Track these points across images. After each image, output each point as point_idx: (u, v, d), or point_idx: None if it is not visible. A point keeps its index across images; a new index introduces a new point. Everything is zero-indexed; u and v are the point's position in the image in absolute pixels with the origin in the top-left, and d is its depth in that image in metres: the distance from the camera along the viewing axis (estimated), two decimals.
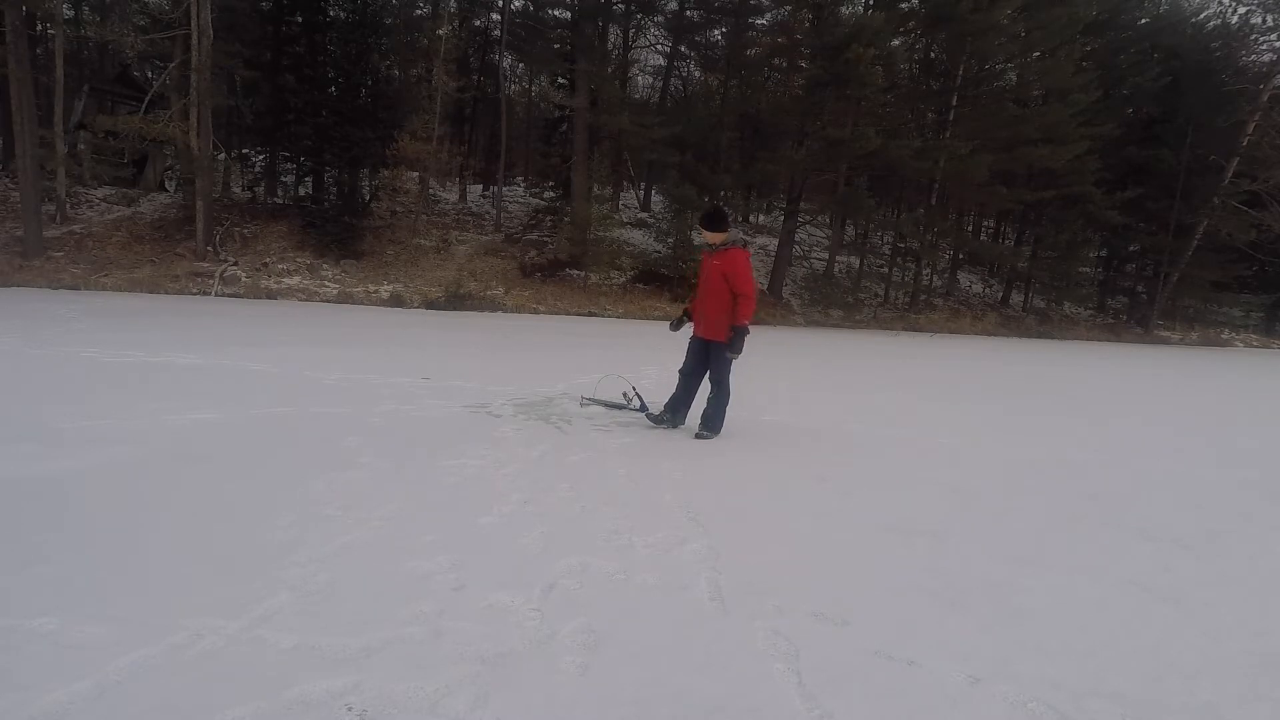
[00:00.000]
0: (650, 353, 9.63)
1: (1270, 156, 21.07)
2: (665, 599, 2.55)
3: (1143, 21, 24.49)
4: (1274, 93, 21.80)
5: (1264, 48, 23.46)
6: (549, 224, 20.23)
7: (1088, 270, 25.01)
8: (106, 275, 14.97)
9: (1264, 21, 22.86)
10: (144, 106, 16.19)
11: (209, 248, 16.48)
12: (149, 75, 21.41)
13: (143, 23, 18.30)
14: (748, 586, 2.68)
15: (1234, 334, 25.00)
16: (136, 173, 20.08)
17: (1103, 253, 26.30)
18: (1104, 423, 7.15)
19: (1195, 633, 2.57)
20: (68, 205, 16.94)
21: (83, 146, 18.45)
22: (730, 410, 5.23)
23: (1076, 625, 2.56)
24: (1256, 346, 23.95)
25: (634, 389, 5.99)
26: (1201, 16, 24.79)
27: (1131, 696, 2.10)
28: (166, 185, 20.92)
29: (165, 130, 15.73)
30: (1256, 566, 3.29)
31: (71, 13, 20.45)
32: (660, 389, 6.05)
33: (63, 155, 16.29)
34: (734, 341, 4.93)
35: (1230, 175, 21.95)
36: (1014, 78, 21.53)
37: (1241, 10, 23.10)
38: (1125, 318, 24.97)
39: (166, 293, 14.74)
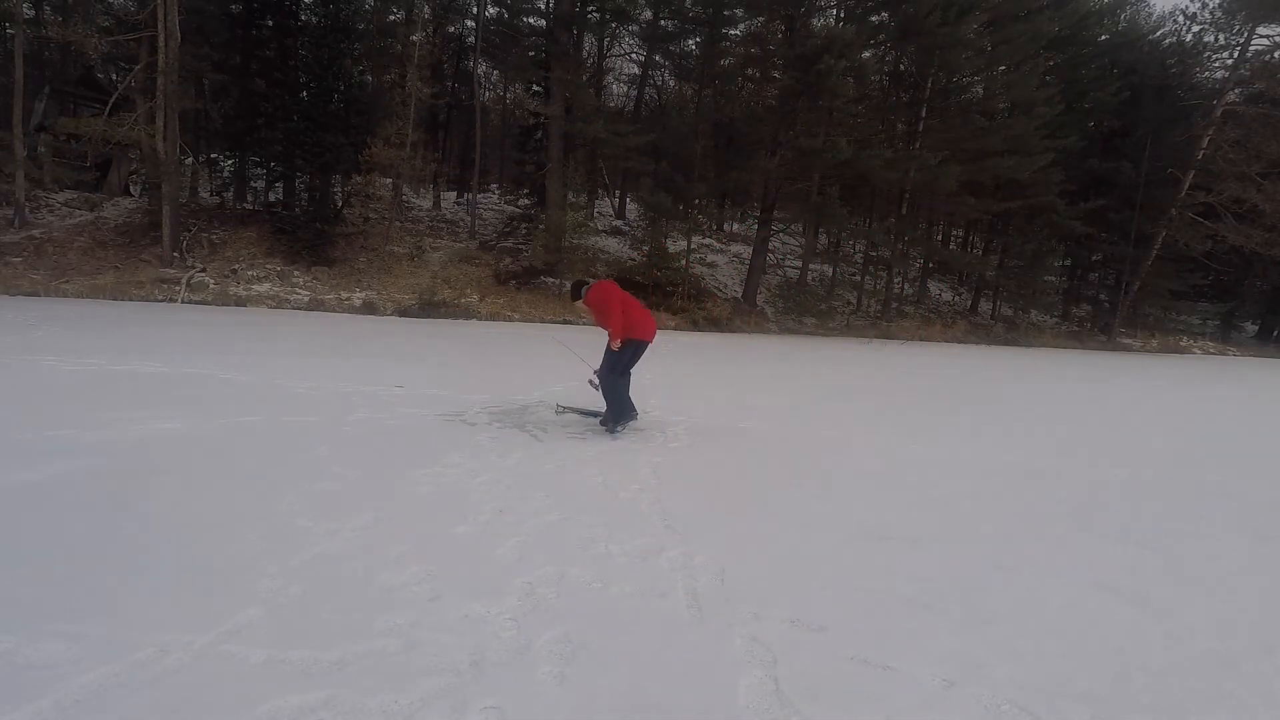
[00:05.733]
0: None
1: (1224, 170, 21.79)
2: (642, 607, 2.55)
3: (1103, 38, 25.24)
4: (1227, 108, 22.58)
5: (1216, 65, 24.32)
6: (523, 231, 20.17)
7: (1053, 279, 25.63)
8: (67, 281, 14.58)
9: (1216, 40, 23.71)
10: (108, 109, 15.84)
11: (175, 254, 16.14)
12: (114, 77, 20.92)
13: (107, 24, 17.90)
14: (725, 594, 2.69)
15: (1191, 341, 25.77)
16: (100, 177, 19.61)
17: (1067, 262, 26.98)
18: (1070, 429, 7.31)
19: (1160, 633, 2.63)
20: (26, 209, 16.47)
21: (43, 149, 17.95)
22: (705, 417, 5.25)
23: (1047, 628, 2.60)
24: (1213, 353, 24.70)
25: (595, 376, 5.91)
26: (1158, 34, 25.66)
27: (1100, 696, 2.14)
28: (131, 190, 20.46)
29: (130, 133, 15.42)
30: (1216, 567, 3.39)
31: (32, 12, 19.95)
32: (643, 393, 6.04)
33: (22, 158, 15.85)
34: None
35: (1186, 188, 22.66)
36: (980, 91, 22.04)
37: (1195, 29, 23.93)
38: (1089, 325, 25.59)
39: (131, 299, 14.39)
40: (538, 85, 20.31)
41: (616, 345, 5.26)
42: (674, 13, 21.20)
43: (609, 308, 5.28)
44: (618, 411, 5.40)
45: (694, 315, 18.31)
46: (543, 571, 2.79)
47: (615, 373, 5.35)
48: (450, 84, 24.68)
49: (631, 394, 5.58)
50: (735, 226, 29.51)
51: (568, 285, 5.83)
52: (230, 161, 20.93)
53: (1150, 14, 27.35)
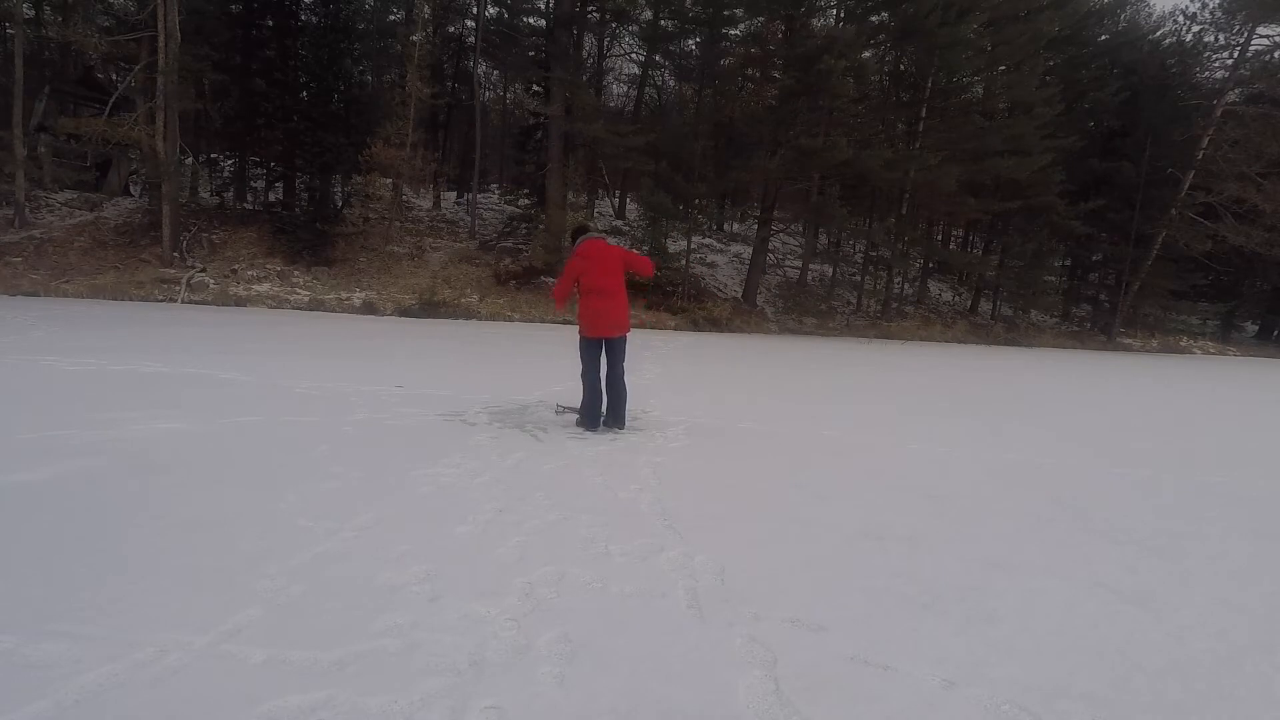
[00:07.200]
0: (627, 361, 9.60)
1: (1224, 170, 21.75)
2: (642, 607, 2.55)
3: (1103, 38, 25.21)
4: (1227, 108, 22.56)
5: (1216, 65, 24.28)
6: (523, 231, 20.16)
7: (1053, 279, 25.60)
8: (68, 281, 14.58)
9: (1216, 40, 23.67)
10: (108, 109, 15.84)
11: (175, 254, 16.14)
12: (114, 77, 20.93)
13: (107, 24, 17.91)
14: (725, 594, 2.69)
15: (1192, 341, 25.74)
16: (100, 177, 19.61)
17: (1067, 262, 26.94)
18: (1070, 428, 7.31)
19: (1161, 633, 2.63)
20: (26, 209, 16.47)
21: (43, 149, 17.96)
22: (705, 417, 5.26)
23: (1047, 628, 2.60)
24: (1213, 353, 24.69)
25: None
26: (1158, 34, 25.61)
27: (1101, 697, 2.14)
28: (131, 190, 20.46)
29: (130, 134, 15.41)
30: (1217, 568, 3.39)
31: (32, 12, 19.94)
32: (642, 393, 6.05)
33: (22, 158, 15.85)
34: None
35: (1187, 187, 22.63)
36: (980, 91, 22.01)
37: (1195, 29, 23.88)
38: (1089, 325, 25.57)
39: (131, 299, 14.40)
40: (538, 85, 20.29)
41: (558, 308, 5.42)
42: (674, 13, 21.16)
43: (562, 274, 5.35)
44: (583, 410, 5.46)
45: (694, 315, 18.30)
46: (543, 571, 2.79)
47: (582, 367, 5.39)
48: (450, 84, 24.66)
49: (631, 394, 5.59)
50: (735, 226, 29.49)
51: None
52: (230, 161, 20.92)
53: (1150, 14, 27.33)
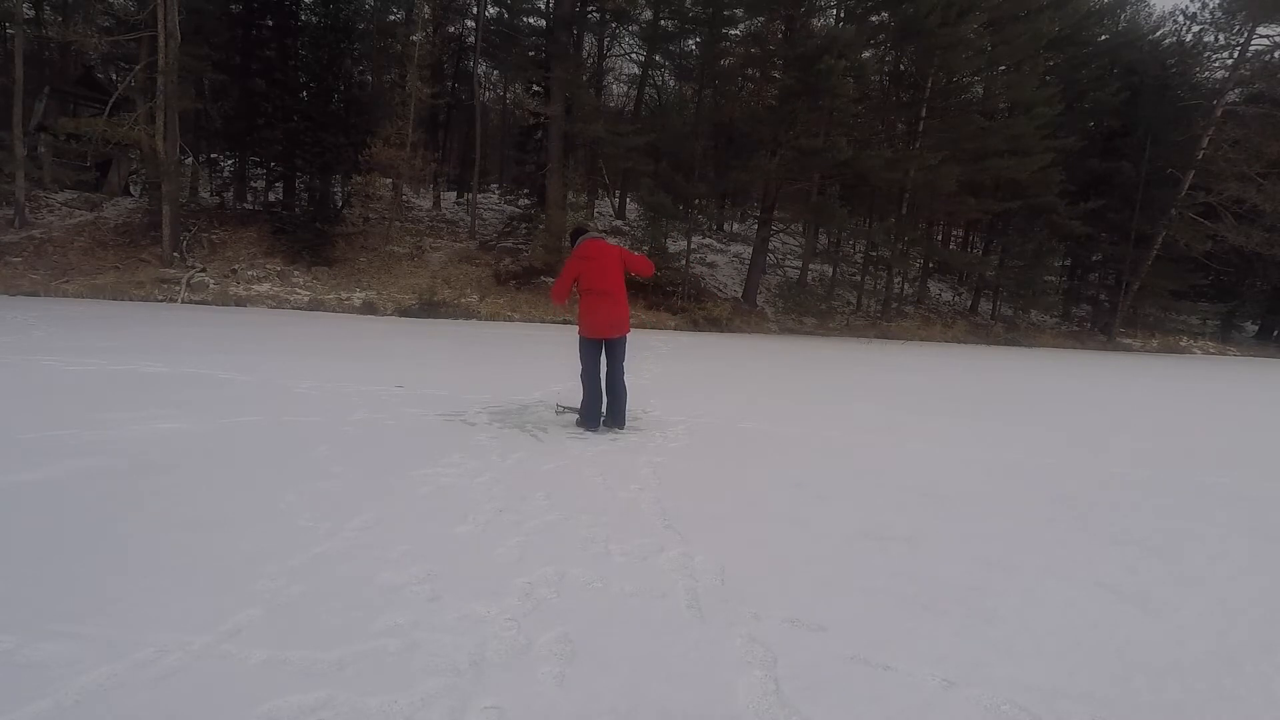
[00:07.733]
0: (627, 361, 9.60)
1: (1224, 170, 21.74)
2: (643, 607, 2.55)
3: (1103, 38, 25.21)
4: (1226, 108, 22.56)
5: (1216, 65, 24.26)
6: (524, 231, 20.17)
7: (1053, 279, 25.60)
8: (68, 281, 14.58)
9: (1216, 40, 23.66)
10: (108, 109, 15.85)
11: (175, 254, 16.14)
12: (113, 77, 20.94)
13: (107, 24, 17.93)
14: (725, 594, 2.69)
15: (1192, 341, 25.74)
16: (100, 177, 19.62)
17: (1067, 262, 26.94)
18: (1070, 428, 7.31)
19: (1161, 633, 2.63)
20: (26, 209, 16.48)
21: (43, 149, 17.97)
22: (705, 417, 5.26)
23: (1046, 627, 2.60)
24: (1213, 353, 24.68)
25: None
26: (1158, 34, 25.63)
27: (1101, 697, 2.14)
28: (131, 190, 20.46)
29: (130, 134, 15.41)
30: (1216, 568, 3.38)
31: (32, 12, 19.95)
32: (642, 393, 6.06)
33: (22, 158, 15.85)
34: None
35: (1187, 187, 22.63)
36: (980, 91, 22.01)
37: (1195, 29, 23.88)
38: (1089, 325, 25.57)
39: (131, 299, 14.40)
40: (538, 85, 20.30)
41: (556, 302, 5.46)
42: (674, 13, 21.16)
43: (560, 274, 5.35)
44: (583, 410, 5.46)
45: (694, 315, 18.31)
46: (543, 571, 2.79)
47: (582, 367, 5.40)
48: (450, 84, 24.68)
49: (631, 394, 5.59)
50: (735, 226, 29.48)
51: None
52: (230, 161, 20.94)
53: (1150, 14, 27.36)
